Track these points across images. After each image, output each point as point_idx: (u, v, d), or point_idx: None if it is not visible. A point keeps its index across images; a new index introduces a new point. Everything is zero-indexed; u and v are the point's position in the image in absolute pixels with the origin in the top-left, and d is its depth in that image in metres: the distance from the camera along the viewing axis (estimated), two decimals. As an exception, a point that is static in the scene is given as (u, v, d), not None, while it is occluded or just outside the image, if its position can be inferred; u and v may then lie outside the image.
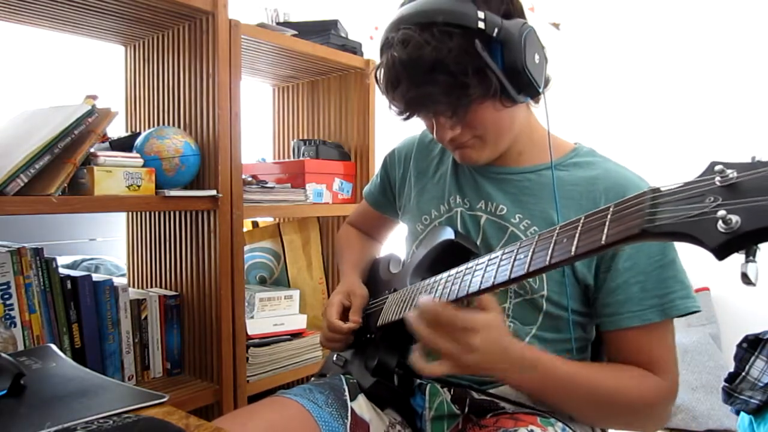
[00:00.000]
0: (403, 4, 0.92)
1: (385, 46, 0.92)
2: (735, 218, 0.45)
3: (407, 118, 0.95)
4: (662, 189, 0.55)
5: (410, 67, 0.86)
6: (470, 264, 0.83)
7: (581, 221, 0.64)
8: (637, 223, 0.54)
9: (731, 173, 0.48)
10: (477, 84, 0.86)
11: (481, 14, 0.85)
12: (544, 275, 0.94)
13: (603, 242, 0.58)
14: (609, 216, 0.60)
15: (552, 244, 0.66)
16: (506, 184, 1.02)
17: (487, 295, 0.80)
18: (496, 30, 0.85)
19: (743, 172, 0.48)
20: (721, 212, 0.46)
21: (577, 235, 0.63)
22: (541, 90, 0.92)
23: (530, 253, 0.69)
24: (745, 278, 0.46)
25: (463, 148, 0.99)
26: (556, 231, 0.67)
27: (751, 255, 0.46)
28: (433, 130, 0.98)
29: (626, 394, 0.90)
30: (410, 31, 0.86)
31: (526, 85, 0.89)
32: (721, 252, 0.47)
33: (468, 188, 1.06)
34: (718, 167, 0.49)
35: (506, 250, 0.76)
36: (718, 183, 0.49)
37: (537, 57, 0.90)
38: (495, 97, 0.89)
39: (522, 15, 0.93)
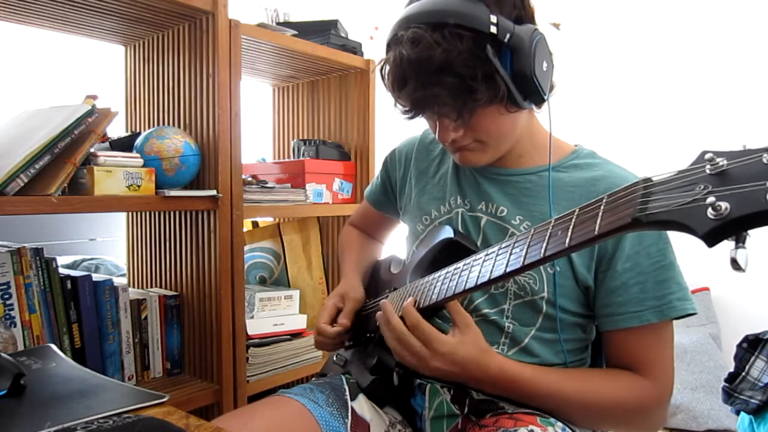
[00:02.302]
0: (411, 2, 0.91)
1: (393, 43, 0.91)
2: (724, 205, 0.45)
3: (412, 118, 0.95)
4: (654, 179, 0.55)
5: (419, 67, 0.85)
6: (467, 260, 0.84)
7: (575, 213, 0.64)
8: (629, 212, 0.54)
9: (721, 161, 0.48)
10: (485, 89, 0.86)
11: (493, 18, 0.83)
12: (544, 277, 0.94)
13: (596, 233, 0.58)
14: (602, 207, 0.60)
15: (547, 237, 0.66)
16: (507, 186, 1.02)
17: (463, 317, 0.87)
18: (507, 35, 0.84)
19: (733, 159, 0.48)
20: (711, 199, 0.46)
21: (571, 226, 0.63)
22: (546, 97, 0.91)
23: (526, 247, 0.70)
24: (735, 264, 0.46)
25: (464, 151, 0.98)
26: (551, 224, 0.67)
27: (740, 241, 0.46)
28: (436, 130, 0.97)
29: (617, 401, 0.90)
30: (421, 30, 0.85)
31: (532, 92, 0.89)
32: (711, 238, 0.47)
33: (469, 189, 1.06)
34: (708, 156, 0.49)
35: (503, 245, 0.76)
36: (708, 171, 0.49)
37: (545, 64, 0.89)
38: (501, 102, 0.89)
39: (533, 20, 0.92)
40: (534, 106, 0.96)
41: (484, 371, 0.86)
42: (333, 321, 1.13)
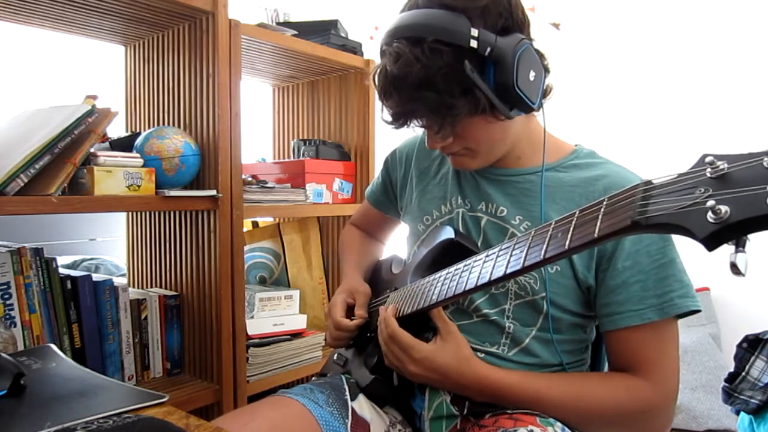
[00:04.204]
0: (402, 11, 0.91)
1: (381, 54, 0.92)
2: (724, 208, 0.45)
3: (397, 128, 0.96)
4: (654, 182, 0.55)
5: (399, 83, 0.86)
6: (468, 261, 0.84)
7: (575, 215, 0.64)
8: (629, 215, 0.54)
9: (721, 164, 0.48)
10: (463, 103, 0.86)
11: (474, 32, 0.82)
12: (544, 277, 0.94)
13: (596, 235, 0.58)
14: (602, 209, 0.60)
15: (547, 239, 0.66)
16: (507, 186, 1.02)
17: (446, 325, 0.91)
18: (488, 49, 0.83)
19: (733, 163, 0.48)
20: (711, 203, 0.46)
21: (571, 229, 0.63)
22: (534, 106, 0.90)
23: (526, 249, 0.70)
24: (735, 268, 0.46)
25: (455, 156, 0.99)
26: (552, 226, 0.68)
27: (740, 245, 0.46)
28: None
29: (612, 405, 0.89)
30: (402, 45, 0.85)
31: (518, 103, 0.88)
32: (711, 242, 0.47)
33: (469, 189, 1.06)
34: (708, 159, 0.49)
35: (503, 246, 0.76)
36: (708, 174, 0.49)
37: (533, 74, 0.88)
38: (485, 113, 0.88)
39: (522, 28, 0.90)
40: (524, 114, 0.95)
41: (466, 378, 0.88)
42: (346, 315, 1.13)
